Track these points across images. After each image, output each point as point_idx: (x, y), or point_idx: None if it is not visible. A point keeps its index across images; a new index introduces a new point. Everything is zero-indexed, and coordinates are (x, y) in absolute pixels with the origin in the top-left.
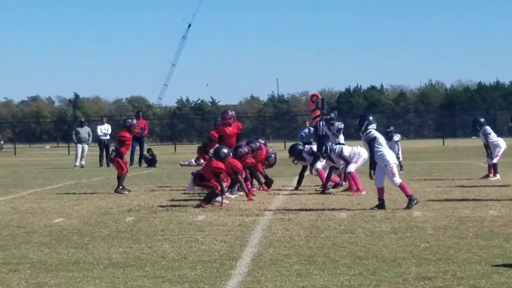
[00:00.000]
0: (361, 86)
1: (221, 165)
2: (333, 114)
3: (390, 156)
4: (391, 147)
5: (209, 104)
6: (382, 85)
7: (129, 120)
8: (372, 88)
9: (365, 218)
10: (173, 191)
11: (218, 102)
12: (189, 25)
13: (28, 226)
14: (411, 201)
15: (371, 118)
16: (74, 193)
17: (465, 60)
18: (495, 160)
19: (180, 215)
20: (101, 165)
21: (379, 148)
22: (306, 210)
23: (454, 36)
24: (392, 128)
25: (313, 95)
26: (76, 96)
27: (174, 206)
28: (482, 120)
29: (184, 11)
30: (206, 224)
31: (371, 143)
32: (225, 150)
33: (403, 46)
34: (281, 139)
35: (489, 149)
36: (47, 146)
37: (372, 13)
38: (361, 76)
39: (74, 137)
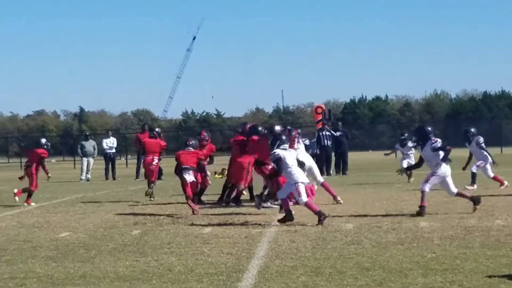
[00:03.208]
0: (366, 96)
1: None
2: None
3: (299, 175)
4: (406, 155)
5: (214, 116)
6: (387, 96)
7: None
8: (377, 98)
9: (372, 229)
10: (179, 204)
11: (223, 114)
12: (194, 38)
13: (34, 240)
14: (320, 217)
15: (284, 137)
16: (80, 207)
17: (470, 70)
18: (474, 170)
19: (186, 227)
20: (107, 178)
21: (286, 167)
22: (312, 221)
23: (459, 45)
24: (406, 135)
25: (318, 107)
26: (82, 109)
27: (180, 218)
28: (473, 130)
29: (189, 24)
30: (212, 237)
31: (277, 163)
32: None
33: (407, 56)
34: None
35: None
36: (53, 160)
37: (376, 24)
38: (366, 86)
39: (79, 150)
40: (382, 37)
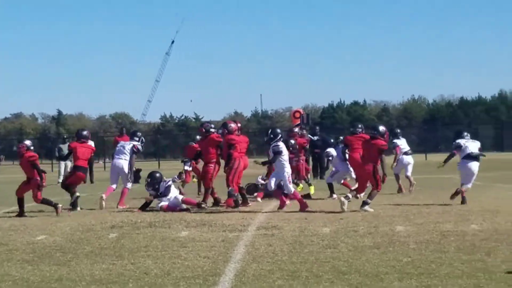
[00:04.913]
0: (344, 101)
1: None
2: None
3: None
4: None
5: (193, 120)
6: (365, 101)
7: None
8: (355, 103)
9: (348, 233)
10: (157, 208)
11: (202, 118)
12: (173, 42)
13: (10, 244)
14: None
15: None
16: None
17: (447, 75)
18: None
19: (163, 231)
20: (84, 181)
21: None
22: (289, 225)
23: (436, 51)
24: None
25: (296, 111)
26: (59, 112)
27: (157, 222)
28: (341, 137)
29: (167, 28)
30: (189, 240)
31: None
32: None
33: (385, 62)
34: (265, 155)
35: None
36: None
37: (353, 29)
38: (344, 91)
39: (57, 153)
40: (360, 42)
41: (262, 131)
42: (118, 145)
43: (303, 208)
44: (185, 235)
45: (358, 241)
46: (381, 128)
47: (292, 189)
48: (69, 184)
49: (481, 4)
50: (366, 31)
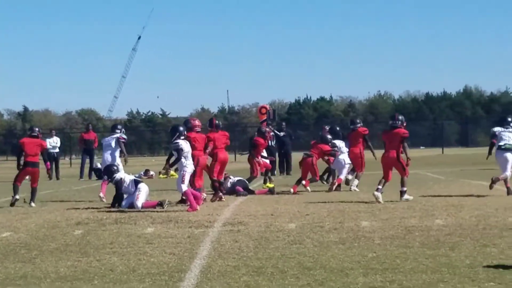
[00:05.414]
0: (310, 97)
1: None
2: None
3: None
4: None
5: (160, 116)
6: (331, 96)
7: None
8: (322, 99)
9: (314, 228)
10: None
11: (169, 114)
12: (139, 37)
13: None
14: None
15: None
16: (22, 207)
17: (413, 71)
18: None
19: (129, 227)
20: (50, 178)
21: None
22: (255, 221)
23: (402, 46)
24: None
25: (262, 107)
26: (25, 109)
27: (123, 218)
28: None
29: (134, 23)
30: (155, 237)
31: None
32: None
33: (351, 57)
34: (231, 150)
35: None
36: None
37: (319, 24)
38: (311, 87)
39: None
40: (325, 37)
41: (229, 127)
42: (104, 141)
43: (192, 209)
44: (151, 232)
45: (324, 237)
46: (400, 117)
47: (184, 188)
48: (18, 180)
49: (447, 1)
50: (332, 27)
